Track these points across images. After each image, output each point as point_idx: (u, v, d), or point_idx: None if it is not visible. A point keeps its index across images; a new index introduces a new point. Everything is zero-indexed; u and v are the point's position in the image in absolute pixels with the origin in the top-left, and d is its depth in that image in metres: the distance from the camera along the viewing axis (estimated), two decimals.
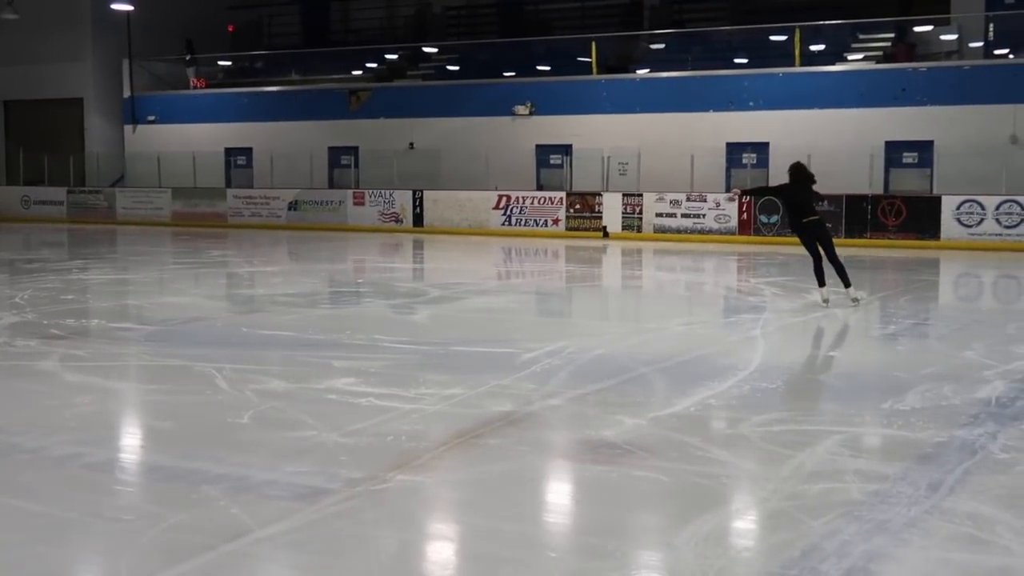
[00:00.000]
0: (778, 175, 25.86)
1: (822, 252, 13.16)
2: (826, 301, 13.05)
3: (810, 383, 9.00)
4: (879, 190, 24.85)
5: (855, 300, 13.10)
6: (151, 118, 35.06)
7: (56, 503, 5.69)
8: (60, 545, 5.16)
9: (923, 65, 26.14)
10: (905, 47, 27.44)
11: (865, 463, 6.48)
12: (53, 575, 4.84)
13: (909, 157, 25.32)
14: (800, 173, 13.15)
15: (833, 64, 27.45)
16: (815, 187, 13.33)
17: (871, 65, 27.24)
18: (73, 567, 5.03)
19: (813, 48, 28.20)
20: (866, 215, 23.76)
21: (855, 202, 23.88)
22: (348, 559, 4.94)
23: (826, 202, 14.37)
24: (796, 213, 13.17)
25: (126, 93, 35.27)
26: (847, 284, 13.06)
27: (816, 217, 13.16)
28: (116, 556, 4.97)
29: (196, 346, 10.57)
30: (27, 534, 5.23)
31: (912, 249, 22.80)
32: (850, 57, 28.10)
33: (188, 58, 35.46)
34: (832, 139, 25.16)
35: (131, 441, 7.42)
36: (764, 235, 24.38)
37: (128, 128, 35.41)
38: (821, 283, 13.17)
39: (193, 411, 7.86)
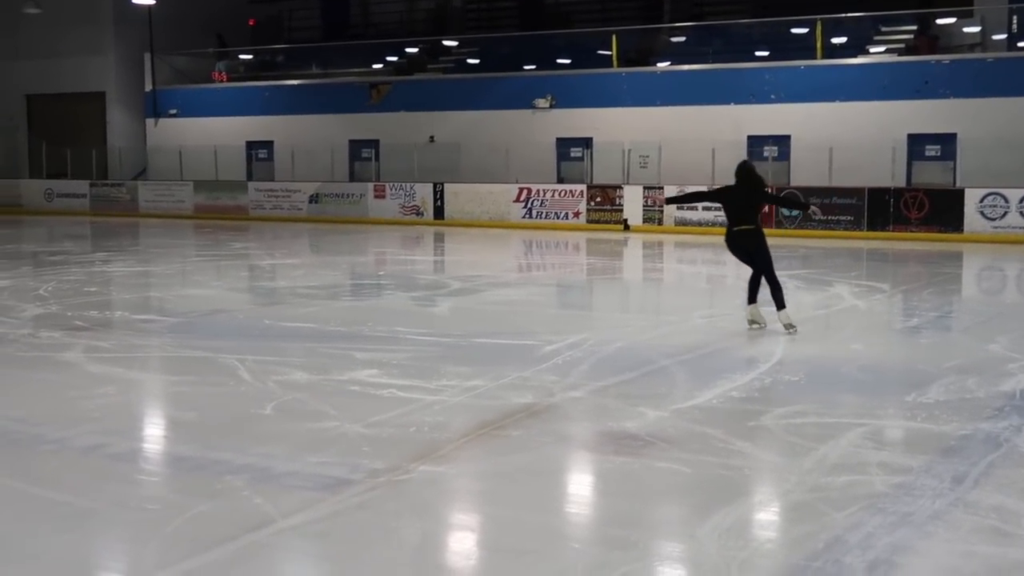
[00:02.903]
0: (799, 169, 25.91)
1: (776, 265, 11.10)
2: (754, 323, 10.99)
3: (832, 376, 8.96)
4: (901, 183, 24.70)
5: (788, 327, 10.70)
6: (173, 112, 35.15)
7: (80, 493, 5.73)
8: (85, 534, 5.19)
9: (946, 57, 25.98)
10: (927, 39, 27.27)
11: (889, 456, 6.46)
12: (78, 564, 4.88)
13: (932, 150, 25.15)
14: (750, 175, 11.03)
15: (855, 57, 27.30)
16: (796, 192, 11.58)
17: (893, 58, 27.09)
18: (98, 556, 5.06)
19: (835, 41, 28.02)
20: (888, 208, 23.64)
21: (877, 195, 23.76)
22: (371, 549, 4.95)
23: (818, 212, 12.28)
24: (732, 219, 11.02)
25: (148, 87, 35.38)
26: (780, 306, 10.79)
27: (751, 227, 10.88)
28: (140, 545, 5.00)
29: (218, 338, 10.61)
30: (52, 524, 5.26)
31: (935, 242, 22.67)
32: (872, 50, 27.94)
33: (218, 52, 35.60)
34: (854, 132, 25.03)
35: (154, 432, 7.46)
36: (785, 228, 24.27)
37: (150, 122, 35.51)
38: (751, 299, 11.04)
39: (216, 402, 7.89)
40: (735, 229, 10.94)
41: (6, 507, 5.54)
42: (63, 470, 6.19)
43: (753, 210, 11.02)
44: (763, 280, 10.95)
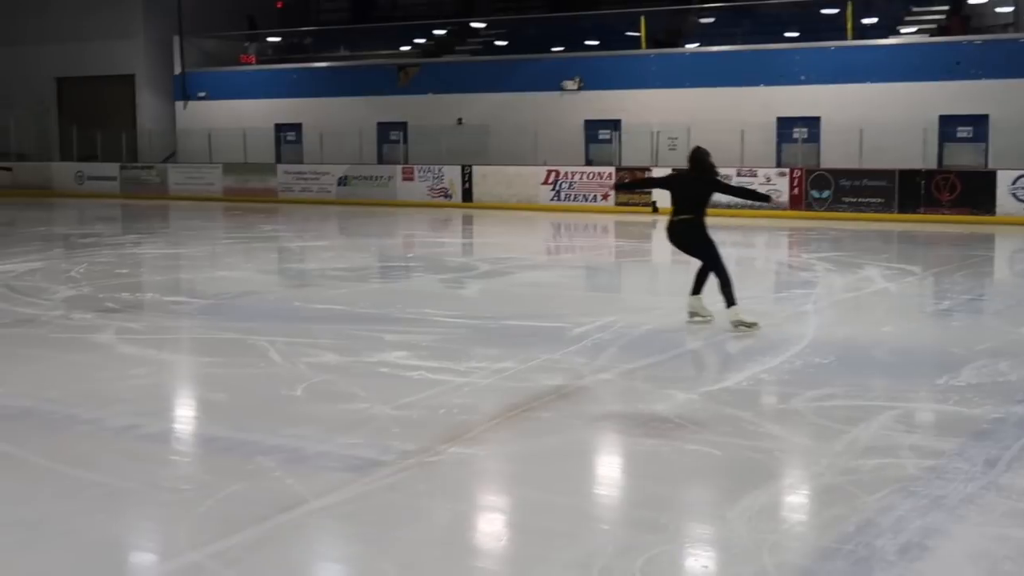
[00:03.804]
0: (829, 151, 25.72)
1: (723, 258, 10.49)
2: (695, 315, 10.28)
3: (863, 358, 8.91)
4: (933, 165, 24.48)
5: (737, 324, 9.81)
6: (202, 94, 35.27)
7: (114, 473, 5.78)
8: (118, 514, 5.25)
9: (978, 38, 25.70)
10: (959, 20, 26.97)
11: (920, 439, 6.43)
12: (111, 544, 4.92)
13: (963, 131, 24.91)
14: (702, 162, 10.25)
15: (886, 37, 27.05)
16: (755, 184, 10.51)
17: (924, 38, 26.82)
18: (131, 536, 5.10)
19: (865, 21, 27.78)
20: (920, 190, 23.43)
21: (908, 177, 23.55)
22: (401, 530, 4.97)
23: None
24: (674, 208, 10.37)
25: (177, 70, 35.50)
26: (728, 302, 9.95)
27: (689, 217, 10.20)
28: (173, 525, 5.04)
29: (249, 320, 10.66)
30: (86, 503, 5.32)
31: (966, 224, 22.45)
32: (903, 30, 27.68)
33: (247, 34, 35.72)
34: (885, 113, 24.83)
35: (186, 413, 7.51)
36: (816, 210, 24.14)
37: (179, 104, 35.66)
38: (694, 290, 10.39)
39: (247, 383, 7.94)
40: (673, 219, 10.32)
41: (41, 487, 5.60)
42: (96, 451, 6.24)
43: (697, 200, 10.27)
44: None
